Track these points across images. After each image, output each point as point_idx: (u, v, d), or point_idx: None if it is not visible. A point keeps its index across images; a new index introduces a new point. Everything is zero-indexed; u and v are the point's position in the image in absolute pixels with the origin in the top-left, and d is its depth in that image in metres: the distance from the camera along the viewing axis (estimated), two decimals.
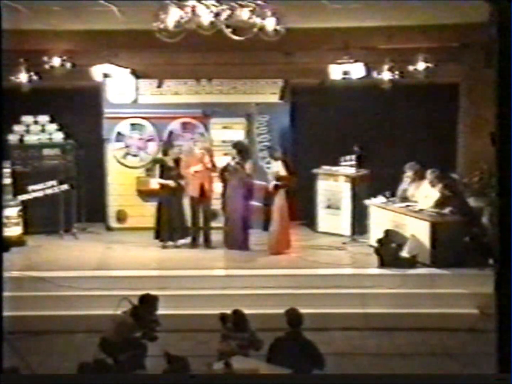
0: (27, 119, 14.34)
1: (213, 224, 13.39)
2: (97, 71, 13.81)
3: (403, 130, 14.45)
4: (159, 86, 14.35)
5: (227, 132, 14.34)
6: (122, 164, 14.44)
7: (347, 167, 13.79)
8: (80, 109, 14.27)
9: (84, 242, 13.71)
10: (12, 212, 13.15)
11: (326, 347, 9.10)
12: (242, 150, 13.13)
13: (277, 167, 12.88)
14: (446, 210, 12.13)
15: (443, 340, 10.61)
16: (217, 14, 9.06)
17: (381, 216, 12.92)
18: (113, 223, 14.52)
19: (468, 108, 14.12)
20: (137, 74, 14.26)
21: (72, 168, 14.21)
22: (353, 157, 13.62)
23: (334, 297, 11.29)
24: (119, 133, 14.39)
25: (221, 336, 9.04)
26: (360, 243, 13.30)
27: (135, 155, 14.47)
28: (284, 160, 13.06)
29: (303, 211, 14.14)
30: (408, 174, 12.97)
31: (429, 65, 13.27)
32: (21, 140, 14.25)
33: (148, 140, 14.46)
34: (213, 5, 9.04)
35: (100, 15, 11.57)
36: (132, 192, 14.43)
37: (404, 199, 12.92)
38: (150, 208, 13.74)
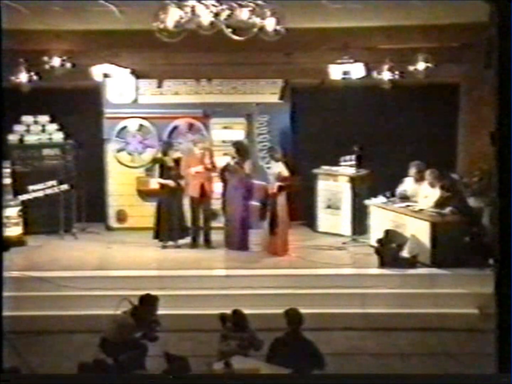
0: (27, 119, 14.33)
1: (213, 224, 13.39)
2: (97, 71, 13.83)
3: (403, 130, 14.43)
4: (159, 86, 14.35)
5: (227, 132, 14.34)
6: (122, 164, 14.45)
7: (347, 167, 13.78)
8: (80, 109, 14.27)
9: (84, 242, 13.70)
10: (12, 212, 13.16)
11: (326, 347, 9.09)
12: (241, 149, 13.12)
13: (279, 168, 12.86)
14: (446, 210, 12.12)
15: (443, 340, 10.59)
16: (217, 14, 9.05)
17: (381, 216, 12.92)
18: (113, 223, 14.51)
19: (468, 108, 14.13)
20: (137, 74, 14.25)
21: (72, 168, 14.18)
22: (353, 157, 13.60)
23: (334, 297, 11.27)
24: (119, 133, 14.40)
25: (221, 336, 9.03)
26: (360, 243, 13.29)
27: (135, 155, 14.47)
28: (285, 161, 13.05)
29: (303, 211, 14.15)
30: (413, 172, 12.95)
31: (429, 65, 13.28)
32: (21, 140, 14.23)
33: (148, 140, 14.46)
34: (213, 5, 9.04)
35: (100, 15, 11.58)
36: (132, 192, 14.42)
37: (404, 199, 12.93)
38: (150, 208, 13.71)
